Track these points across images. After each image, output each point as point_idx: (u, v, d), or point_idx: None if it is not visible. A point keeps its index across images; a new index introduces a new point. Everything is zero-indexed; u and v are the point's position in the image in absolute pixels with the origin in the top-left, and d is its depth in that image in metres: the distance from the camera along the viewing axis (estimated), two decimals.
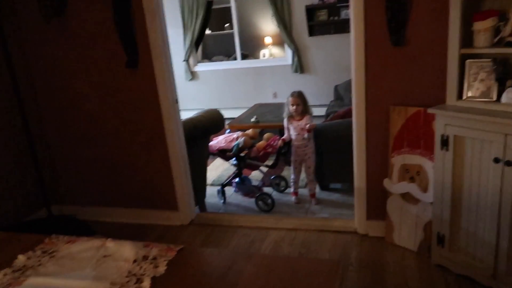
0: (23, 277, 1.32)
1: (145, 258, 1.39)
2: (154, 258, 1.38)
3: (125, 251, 1.42)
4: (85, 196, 3.42)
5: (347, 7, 5.87)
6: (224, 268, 1.30)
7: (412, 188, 2.51)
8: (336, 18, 6.30)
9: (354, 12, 2.48)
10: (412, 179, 2.52)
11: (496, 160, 1.97)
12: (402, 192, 2.57)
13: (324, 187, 3.77)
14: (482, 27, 2.04)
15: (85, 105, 3.16)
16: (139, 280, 1.29)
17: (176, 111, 3.05)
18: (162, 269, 1.31)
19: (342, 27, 6.20)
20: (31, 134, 3.10)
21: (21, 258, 1.46)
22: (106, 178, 3.32)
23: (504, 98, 2.00)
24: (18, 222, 3.16)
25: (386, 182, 2.63)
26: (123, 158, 3.21)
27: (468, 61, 2.14)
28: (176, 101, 3.06)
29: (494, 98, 2.06)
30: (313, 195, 3.56)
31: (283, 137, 3.57)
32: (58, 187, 3.47)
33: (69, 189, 3.46)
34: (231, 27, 7.30)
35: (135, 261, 1.37)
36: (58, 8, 2.94)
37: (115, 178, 3.29)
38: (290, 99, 3.42)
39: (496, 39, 2.04)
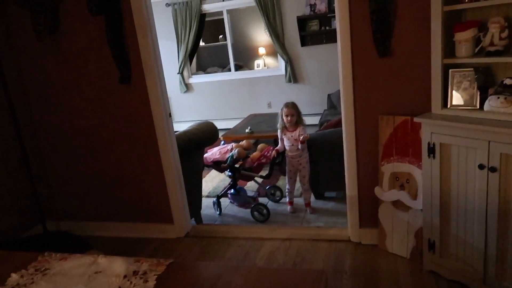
0: None
1: (135, 273, 1.41)
2: (144, 273, 1.41)
3: (116, 266, 1.45)
4: (81, 211, 3.45)
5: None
6: (213, 280, 1.33)
7: (403, 196, 2.55)
8: (327, 28, 6.39)
9: (340, 24, 2.55)
10: (402, 187, 2.56)
11: (481, 167, 2.01)
12: (393, 200, 2.61)
13: (319, 196, 3.81)
14: (463, 38, 2.09)
15: (79, 120, 3.20)
16: None
17: (170, 125, 3.09)
18: (152, 283, 1.34)
19: (334, 36, 6.26)
20: (25, 150, 3.13)
21: (14, 277, 1.49)
22: (101, 192, 3.34)
23: (487, 106, 2.05)
24: (14, 239, 3.17)
25: (377, 190, 2.66)
26: (118, 173, 3.24)
27: (451, 70, 2.19)
28: (169, 115, 3.11)
29: (477, 106, 2.11)
30: (308, 204, 3.60)
31: (276, 148, 3.61)
32: (53, 203, 3.49)
33: (65, 205, 3.48)
34: (224, 38, 7.39)
35: (125, 276, 1.40)
36: (51, 27, 3.00)
37: (110, 192, 3.31)
38: (285, 110, 3.46)
39: (477, 49, 2.10)
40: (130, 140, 3.13)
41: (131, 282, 1.36)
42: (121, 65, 2.95)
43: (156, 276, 1.38)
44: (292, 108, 3.44)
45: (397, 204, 2.60)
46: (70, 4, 2.94)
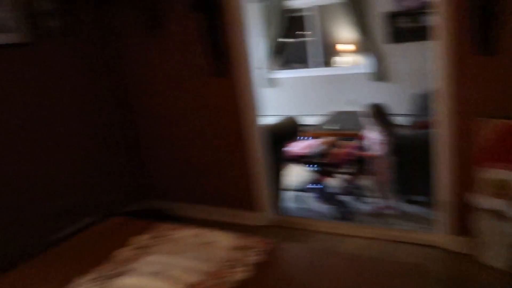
0: (145, 254, 1.54)
1: (241, 248, 1.54)
2: (249, 248, 1.53)
3: (223, 240, 1.59)
4: (173, 192, 3.74)
5: (428, 13, 5.66)
6: (316, 262, 1.39)
7: (503, 205, 2.39)
8: (417, 25, 6.10)
9: (437, 20, 2.44)
10: (503, 196, 2.40)
11: None
12: (491, 209, 2.46)
13: (405, 200, 3.68)
14: None
15: (175, 110, 3.48)
16: (238, 265, 1.44)
17: (256, 117, 3.23)
18: (258, 258, 1.44)
19: (424, 34, 5.96)
20: (129, 137, 3.50)
21: (139, 238, 1.69)
22: (191, 176, 3.60)
23: None
24: (113, 213, 3.53)
25: (473, 197, 2.53)
26: (208, 159, 3.47)
27: None
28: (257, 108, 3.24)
29: None
30: (390, 207, 3.51)
31: (361, 145, 3.59)
32: (150, 184, 3.83)
33: (160, 186, 3.80)
34: (310, 35, 7.39)
35: (232, 249, 1.53)
36: (153, 25, 3.31)
37: (200, 177, 3.55)
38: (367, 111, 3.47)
39: None
40: (220, 129, 3.33)
41: (238, 256, 1.49)
42: (217, 60, 3.15)
43: (260, 253, 1.48)
44: (372, 110, 3.44)
45: (496, 213, 2.45)
46: (170, 2, 3.20)
